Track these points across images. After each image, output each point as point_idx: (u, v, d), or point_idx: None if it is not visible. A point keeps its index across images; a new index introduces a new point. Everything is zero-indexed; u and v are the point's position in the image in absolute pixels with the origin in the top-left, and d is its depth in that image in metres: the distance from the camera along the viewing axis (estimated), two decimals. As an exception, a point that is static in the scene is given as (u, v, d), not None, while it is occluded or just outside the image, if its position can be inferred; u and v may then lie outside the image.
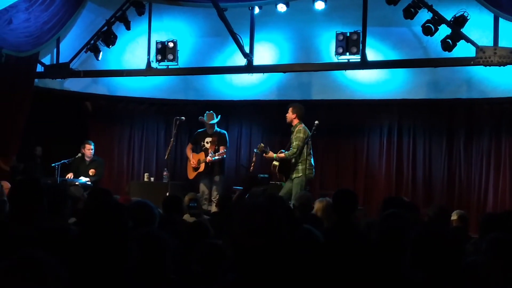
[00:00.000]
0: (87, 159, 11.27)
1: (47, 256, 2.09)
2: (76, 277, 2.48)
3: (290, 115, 9.81)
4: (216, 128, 10.91)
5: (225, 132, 11.11)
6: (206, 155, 10.64)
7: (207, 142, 10.82)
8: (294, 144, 9.63)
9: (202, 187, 10.75)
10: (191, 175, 10.99)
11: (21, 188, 3.97)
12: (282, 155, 9.69)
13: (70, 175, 10.91)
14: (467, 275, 3.28)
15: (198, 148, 11.00)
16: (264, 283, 2.43)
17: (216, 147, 10.69)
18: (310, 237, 3.67)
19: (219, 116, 10.91)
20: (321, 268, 3.39)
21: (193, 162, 10.82)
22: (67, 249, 2.75)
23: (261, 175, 10.91)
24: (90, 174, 11.02)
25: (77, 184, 10.19)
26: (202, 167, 10.72)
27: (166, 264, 3.00)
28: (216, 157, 10.56)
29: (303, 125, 9.74)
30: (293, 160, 9.64)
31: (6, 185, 8.27)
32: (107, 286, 2.58)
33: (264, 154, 9.96)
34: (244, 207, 2.50)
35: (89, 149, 11.27)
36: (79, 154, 11.24)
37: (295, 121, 9.80)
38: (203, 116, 10.86)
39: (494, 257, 3.40)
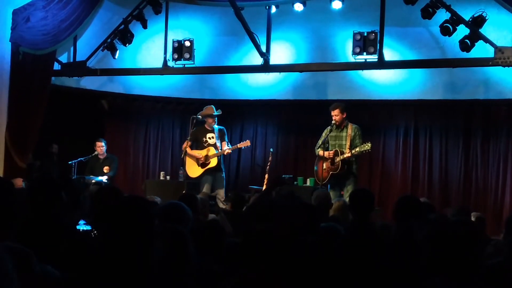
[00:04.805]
0: (100, 157, 11.32)
1: None
2: (101, 272, 2.48)
3: (341, 115, 9.51)
4: (215, 125, 10.81)
5: (224, 127, 11.02)
6: (216, 150, 10.56)
7: (209, 138, 10.73)
8: (360, 141, 9.46)
9: (207, 184, 10.58)
10: (196, 172, 10.75)
11: (37, 186, 3.98)
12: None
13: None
14: (491, 277, 3.23)
15: (198, 145, 10.81)
16: (272, 274, 2.45)
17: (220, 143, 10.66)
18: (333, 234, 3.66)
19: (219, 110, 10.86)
20: (334, 267, 3.36)
21: (201, 159, 10.71)
22: (91, 244, 2.76)
23: (285, 176, 10.92)
24: (105, 171, 11.06)
25: (94, 182, 10.23)
26: (214, 162, 10.62)
27: (188, 261, 3.00)
28: (239, 147, 10.61)
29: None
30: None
31: (19, 182, 8.30)
32: (133, 281, 2.58)
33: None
34: (255, 200, 2.54)
35: (99, 147, 11.30)
36: (95, 152, 11.29)
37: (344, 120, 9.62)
38: (203, 111, 10.78)
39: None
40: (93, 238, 4.10)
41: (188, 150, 10.72)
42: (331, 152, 9.47)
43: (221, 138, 10.72)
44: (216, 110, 10.73)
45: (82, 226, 4.71)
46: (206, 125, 10.78)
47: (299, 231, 4.02)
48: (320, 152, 9.59)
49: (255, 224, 2.43)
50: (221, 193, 10.51)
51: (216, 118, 10.75)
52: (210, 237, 3.96)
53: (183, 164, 11.04)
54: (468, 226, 3.01)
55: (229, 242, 3.87)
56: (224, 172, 10.83)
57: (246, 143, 10.70)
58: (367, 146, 9.26)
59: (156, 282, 2.72)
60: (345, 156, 9.35)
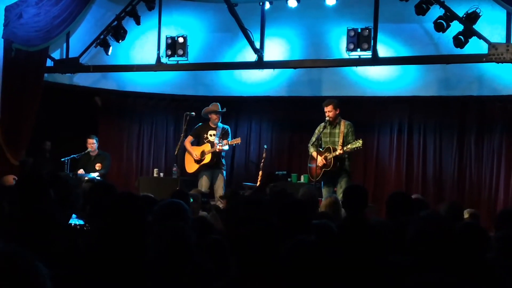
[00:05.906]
0: (92, 154, 11.27)
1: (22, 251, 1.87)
2: (94, 269, 2.46)
3: (334, 111, 9.48)
4: (219, 123, 10.82)
5: (228, 127, 11.04)
6: (212, 147, 10.54)
7: (211, 135, 10.73)
8: (353, 138, 9.44)
9: (204, 180, 10.62)
10: (192, 168, 10.76)
11: (25, 183, 3.97)
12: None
13: (81, 172, 10.92)
14: (483, 273, 3.21)
15: (199, 141, 10.84)
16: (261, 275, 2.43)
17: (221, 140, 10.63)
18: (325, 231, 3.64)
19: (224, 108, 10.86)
20: (327, 264, 3.34)
21: (196, 155, 10.71)
22: (84, 241, 2.74)
23: (279, 172, 10.91)
24: (97, 168, 11.02)
25: (87, 179, 10.18)
26: (208, 158, 10.60)
27: (189, 258, 2.98)
28: (230, 144, 10.54)
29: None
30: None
31: (10, 179, 8.23)
32: (126, 277, 2.56)
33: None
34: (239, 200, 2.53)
35: (91, 144, 11.24)
36: (87, 149, 11.25)
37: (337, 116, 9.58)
38: (209, 107, 10.80)
39: (504, 254, 3.35)
40: (85, 233, 4.07)
41: (188, 145, 10.74)
42: (322, 159, 9.43)
43: (223, 136, 10.68)
44: (222, 108, 10.76)
45: (74, 220, 4.69)
46: (210, 122, 10.78)
47: (292, 228, 4.01)
48: (314, 153, 9.57)
49: (236, 226, 2.40)
50: (219, 191, 10.46)
51: (220, 116, 10.75)
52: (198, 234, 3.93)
53: (177, 160, 11.01)
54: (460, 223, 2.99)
55: (214, 240, 3.80)
56: (224, 170, 10.78)
57: (237, 140, 10.68)
58: (358, 143, 9.24)
59: (156, 280, 2.70)
60: (336, 153, 9.34)
